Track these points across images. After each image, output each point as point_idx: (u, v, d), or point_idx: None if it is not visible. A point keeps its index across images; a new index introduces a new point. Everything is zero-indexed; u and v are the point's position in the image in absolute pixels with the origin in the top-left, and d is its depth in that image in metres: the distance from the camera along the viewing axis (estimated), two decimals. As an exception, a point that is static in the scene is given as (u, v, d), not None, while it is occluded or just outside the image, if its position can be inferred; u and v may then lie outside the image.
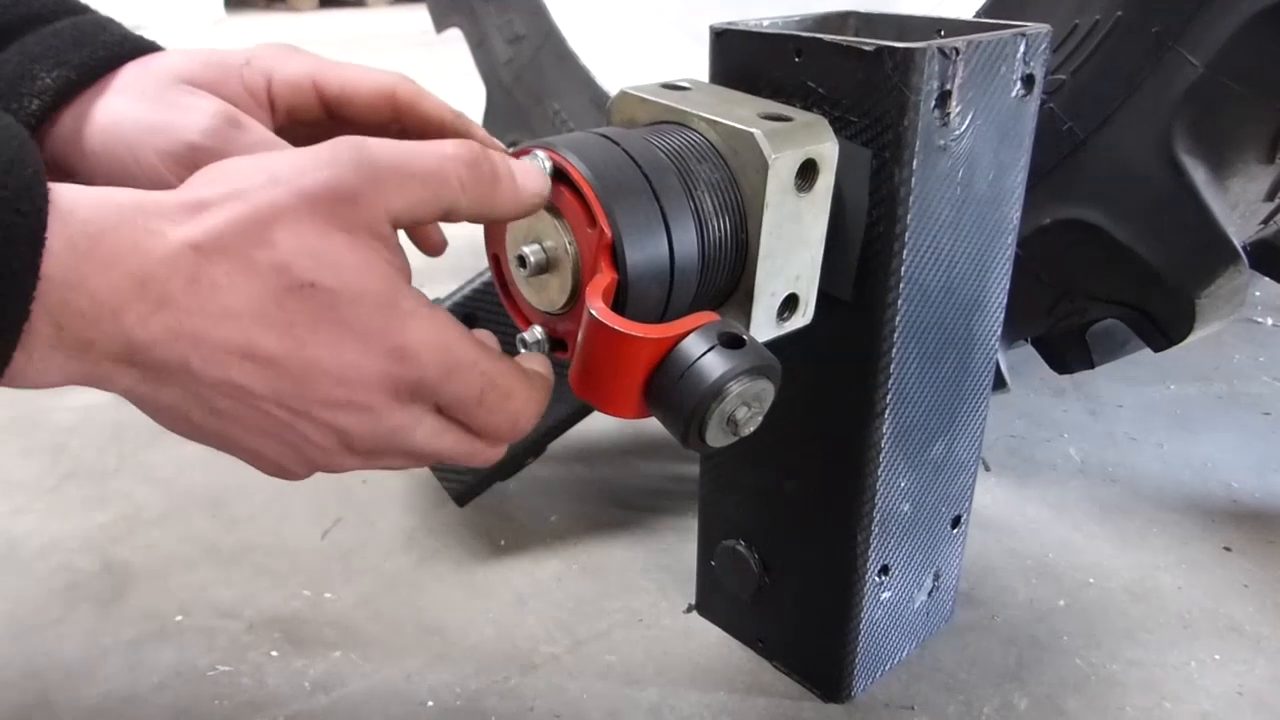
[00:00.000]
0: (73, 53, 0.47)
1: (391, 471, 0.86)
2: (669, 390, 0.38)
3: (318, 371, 0.35)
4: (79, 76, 0.46)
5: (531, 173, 0.40)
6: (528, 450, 0.73)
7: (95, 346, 0.33)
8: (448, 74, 1.76)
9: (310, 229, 0.35)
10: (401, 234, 0.48)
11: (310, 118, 0.50)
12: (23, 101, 0.45)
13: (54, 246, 0.31)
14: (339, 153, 0.36)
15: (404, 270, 0.38)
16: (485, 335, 0.43)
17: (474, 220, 0.40)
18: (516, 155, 0.42)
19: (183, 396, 0.35)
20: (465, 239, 0.48)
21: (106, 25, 0.49)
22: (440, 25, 1.28)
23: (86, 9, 0.50)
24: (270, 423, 0.36)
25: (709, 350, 0.38)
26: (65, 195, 0.32)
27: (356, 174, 0.36)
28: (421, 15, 1.32)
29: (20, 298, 0.31)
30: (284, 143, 0.48)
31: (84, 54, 0.47)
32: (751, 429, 0.40)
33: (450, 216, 0.39)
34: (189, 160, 0.46)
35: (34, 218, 0.31)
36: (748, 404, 0.39)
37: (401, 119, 0.49)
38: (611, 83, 1.02)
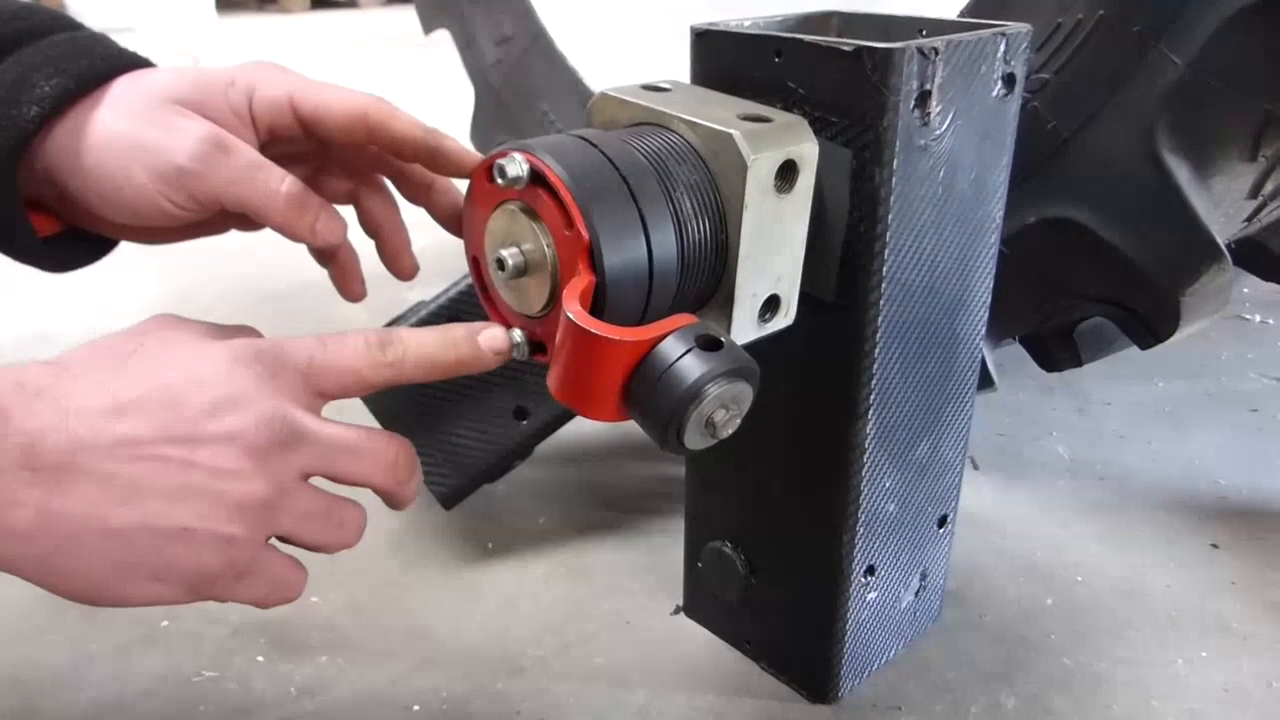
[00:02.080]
0: (70, 63, 0.48)
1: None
2: (647, 393, 0.38)
3: (176, 387, 0.39)
4: (77, 85, 0.48)
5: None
6: (515, 452, 0.73)
7: None
8: (439, 75, 1.76)
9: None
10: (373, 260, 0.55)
11: (290, 135, 0.51)
12: (21, 108, 0.47)
13: None
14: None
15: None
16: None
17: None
18: (495, 157, 0.42)
19: (90, 492, 0.37)
20: (455, 242, 0.48)
21: (101, 40, 0.52)
22: (428, 27, 1.28)
23: (80, 25, 0.52)
24: (174, 470, 0.38)
25: (686, 353, 0.38)
26: None
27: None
28: (413, 17, 1.32)
29: None
30: (270, 163, 0.49)
31: (81, 65, 0.49)
32: (730, 431, 0.40)
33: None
34: (177, 182, 0.47)
35: None
36: (725, 406, 0.39)
37: (375, 139, 0.50)
38: (600, 83, 1.02)
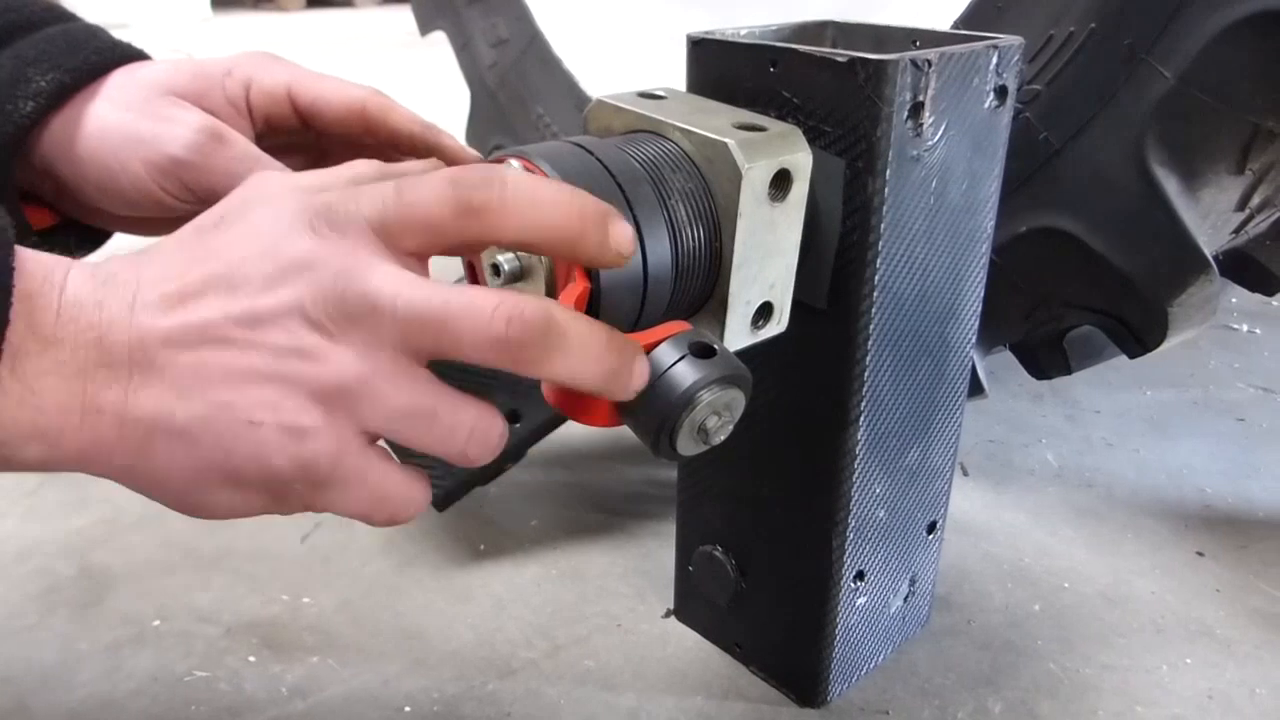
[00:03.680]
0: (66, 57, 0.48)
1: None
2: (640, 399, 0.38)
3: (241, 260, 0.34)
4: (72, 80, 0.48)
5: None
6: (508, 455, 0.73)
7: (65, 344, 0.32)
8: (435, 76, 1.76)
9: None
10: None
11: (286, 126, 0.51)
12: (18, 103, 0.47)
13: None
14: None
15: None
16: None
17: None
18: (492, 163, 0.42)
19: (157, 389, 0.33)
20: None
21: (96, 33, 0.51)
22: (425, 28, 1.28)
23: (75, 17, 0.52)
24: (235, 354, 0.34)
25: (680, 360, 0.38)
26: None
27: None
28: (409, 16, 1.32)
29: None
30: (265, 155, 0.49)
31: (77, 59, 0.48)
32: (722, 438, 0.40)
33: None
34: (172, 172, 0.47)
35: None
36: (718, 413, 0.39)
37: (372, 132, 0.50)
38: (595, 87, 1.02)
